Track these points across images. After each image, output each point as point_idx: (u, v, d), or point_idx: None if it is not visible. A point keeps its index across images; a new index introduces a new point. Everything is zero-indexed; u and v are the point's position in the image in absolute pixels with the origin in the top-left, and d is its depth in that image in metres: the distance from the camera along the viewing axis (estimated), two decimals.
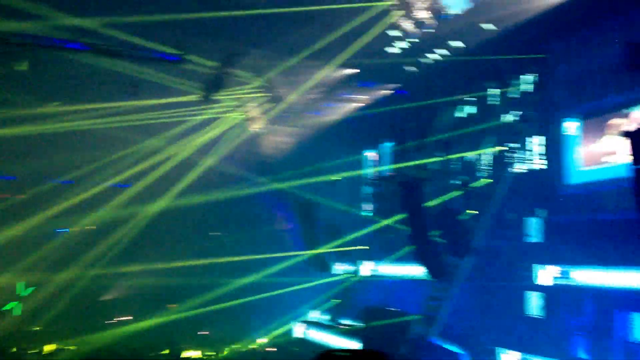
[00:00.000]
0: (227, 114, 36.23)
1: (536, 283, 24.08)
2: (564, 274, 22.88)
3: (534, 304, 24.45)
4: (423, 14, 25.19)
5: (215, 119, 36.03)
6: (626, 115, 22.34)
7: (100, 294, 41.94)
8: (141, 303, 39.62)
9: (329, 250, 33.82)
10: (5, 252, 36.64)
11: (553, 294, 23.88)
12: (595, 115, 23.78)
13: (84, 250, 38.18)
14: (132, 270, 39.63)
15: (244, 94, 34.17)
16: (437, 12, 24.54)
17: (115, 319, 40.07)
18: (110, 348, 27.96)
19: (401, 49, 29.69)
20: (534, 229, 25.55)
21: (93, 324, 37.36)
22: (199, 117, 34.89)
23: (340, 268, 35.88)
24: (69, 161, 35.97)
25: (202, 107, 32.81)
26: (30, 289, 39.75)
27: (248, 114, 36.34)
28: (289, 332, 33.27)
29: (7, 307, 39.56)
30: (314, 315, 35.19)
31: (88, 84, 30.97)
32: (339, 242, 32.95)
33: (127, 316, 39.66)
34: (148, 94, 31.07)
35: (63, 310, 37.90)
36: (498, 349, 22.93)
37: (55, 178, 38.73)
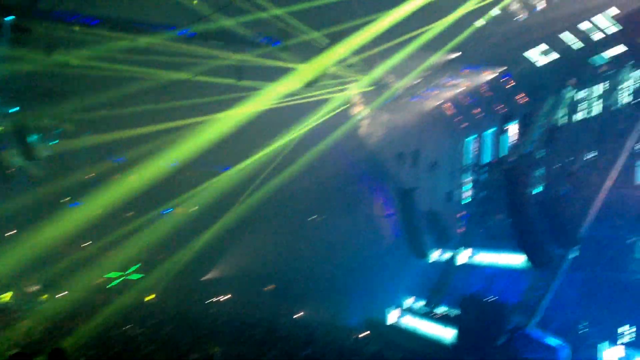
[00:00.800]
0: (331, 99, 36.30)
1: None
2: None
3: None
4: None
5: (319, 103, 36.16)
6: None
7: (202, 274, 43.28)
8: (240, 283, 40.56)
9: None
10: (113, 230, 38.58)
11: None
12: None
13: (187, 231, 39.53)
14: (233, 252, 40.65)
15: (346, 78, 34.11)
16: None
17: (215, 299, 41.29)
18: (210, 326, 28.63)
19: (508, 32, 28.91)
20: None
21: (194, 302, 38.68)
22: (303, 101, 35.12)
23: (438, 255, 35.25)
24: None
25: (306, 92, 33.06)
26: (134, 267, 41.58)
27: (351, 99, 36.30)
28: (383, 318, 33.00)
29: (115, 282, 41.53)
30: (410, 301, 34.75)
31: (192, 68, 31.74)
32: (439, 228, 32.28)
33: (227, 295, 40.73)
34: (251, 78, 31.53)
35: (167, 288, 39.45)
36: (601, 344, 21.73)
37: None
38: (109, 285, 40.80)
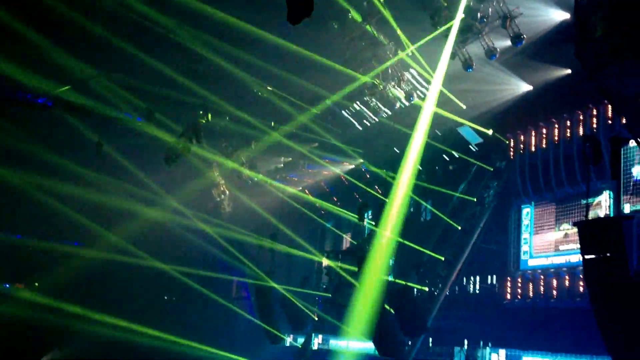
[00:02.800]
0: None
1: None
2: (515, 359, 22.92)
3: None
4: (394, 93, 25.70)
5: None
6: (579, 206, 23.07)
7: (41, 353, 40.36)
8: None
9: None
10: None
11: None
12: (551, 203, 24.53)
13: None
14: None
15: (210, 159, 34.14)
16: (408, 95, 25.17)
17: None
18: None
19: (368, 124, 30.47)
20: (486, 311, 25.78)
21: None
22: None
23: (291, 340, 35.34)
24: None
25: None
26: None
27: (213, 179, 36.26)
28: None
29: None
30: None
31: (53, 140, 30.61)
32: (293, 313, 32.51)
33: None
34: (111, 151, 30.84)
35: None
36: None
37: None
38: None
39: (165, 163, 29.82)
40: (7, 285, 40.52)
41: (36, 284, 39.71)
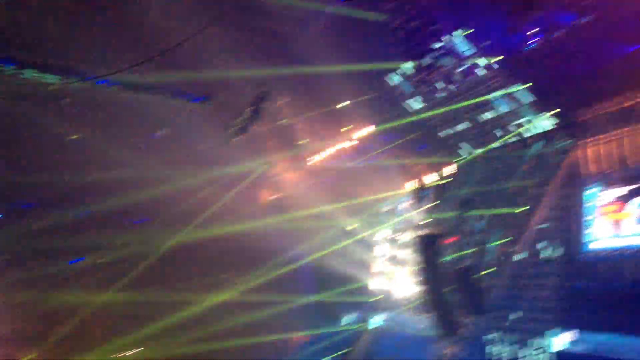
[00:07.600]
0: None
1: (551, 349, 23.79)
2: (580, 341, 22.59)
3: None
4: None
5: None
6: None
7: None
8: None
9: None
10: None
11: None
12: (617, 183, 23.98)
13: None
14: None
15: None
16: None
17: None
18: None
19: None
20: (551, 293, 25.44)
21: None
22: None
23: (350, 318, 35.51)
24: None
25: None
26: None
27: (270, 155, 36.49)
28: None
29: None
30: None
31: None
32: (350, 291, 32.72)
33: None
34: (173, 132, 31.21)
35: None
36: None
37: None
38: None
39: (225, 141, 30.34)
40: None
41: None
